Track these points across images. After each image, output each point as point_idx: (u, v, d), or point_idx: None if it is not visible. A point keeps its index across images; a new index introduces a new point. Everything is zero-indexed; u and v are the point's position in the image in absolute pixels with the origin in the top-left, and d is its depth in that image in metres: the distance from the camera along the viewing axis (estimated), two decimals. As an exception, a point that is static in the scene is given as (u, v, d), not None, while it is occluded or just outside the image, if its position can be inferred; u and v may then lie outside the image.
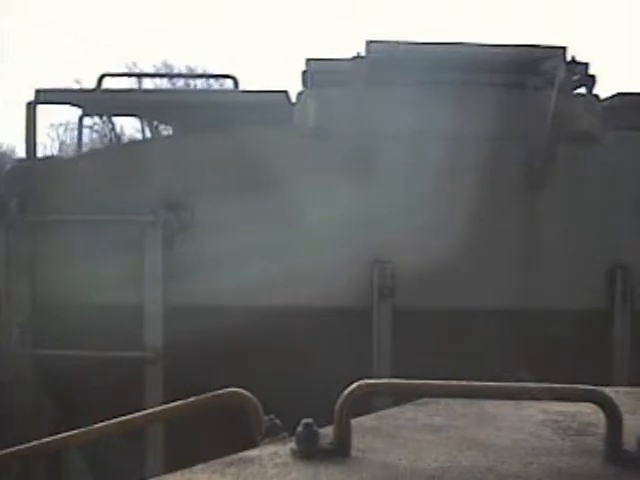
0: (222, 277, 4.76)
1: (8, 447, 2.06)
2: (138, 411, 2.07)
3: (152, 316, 4.86)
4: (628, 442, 1.83)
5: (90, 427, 1.93)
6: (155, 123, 7.23)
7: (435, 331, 4.76)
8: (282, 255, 4.86)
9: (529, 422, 2.15)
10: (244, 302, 4.75)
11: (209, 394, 1.95)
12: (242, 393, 1.94)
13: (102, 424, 1.92)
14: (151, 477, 1.99)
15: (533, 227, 4.95)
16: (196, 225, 4.88)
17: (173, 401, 2.07)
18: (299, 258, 4.85)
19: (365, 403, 1.92)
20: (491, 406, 2.23)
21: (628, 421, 1.87)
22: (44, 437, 2.13)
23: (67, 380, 4.84)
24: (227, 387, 2.03)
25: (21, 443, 2.05)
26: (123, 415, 2.04)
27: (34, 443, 1.98)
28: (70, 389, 4.91)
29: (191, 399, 1.95)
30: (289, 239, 4.86)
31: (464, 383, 1.89)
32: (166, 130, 8.04)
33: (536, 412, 2.23)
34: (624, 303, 4.88)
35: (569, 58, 4.81)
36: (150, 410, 2.00)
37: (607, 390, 1.91)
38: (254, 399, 1.93)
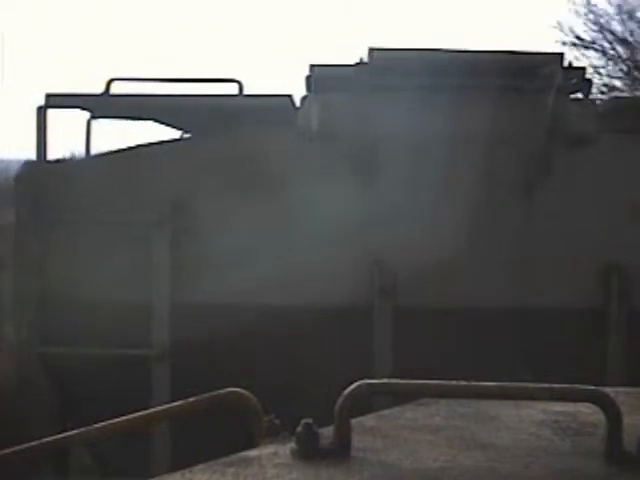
0: (226, 276, 4.83)
1: (15, 445, 2.07)
2: (145, 409, 2.08)
3: (159, 314, 4.92)
4: (628, 442, 1.82)
5: (89, 427, 1.94)
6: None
7: (434, 330, 4.79)
8: (285, 255, 4.92)
9: (529, 422, 2.15)
10: (248, 301, 4.80)
11: (209, 394, 1.95)
12: (242, 393, 1.94)
13: (101, 424, 1.92)
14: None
15: (530, 227, 5.00)
16: (201, 225, 4.96)
17: (180, 399, 2.08)
18: (301, 258, 4.91)
19: (365, 403, 1.92)
20: (491, 406, 2.23)
21: (628, 421, 1.87)
22: (50, 436, 2.14)
23: (74, 378, 4.90)
24: (230, 386, 2.03)
25: (27, 442, 2.06)
26: (130, 413, 2.05)
27: (34, 443, 1.98)
28: (77, 387, 4.97)
29: (191, 399, 1.96)
30: (292, 240, 4.93)
31: (464, 383, 1.89)
32: (173, 134, 8.07)
33: (536, 412, 2.22)
34: (619, 302, 4.92)
35: (566, 64, 4.91)
36: (150, 410, 2.01)
37: (607, 390, 1.91)
38: (254, 399, 1.94)
